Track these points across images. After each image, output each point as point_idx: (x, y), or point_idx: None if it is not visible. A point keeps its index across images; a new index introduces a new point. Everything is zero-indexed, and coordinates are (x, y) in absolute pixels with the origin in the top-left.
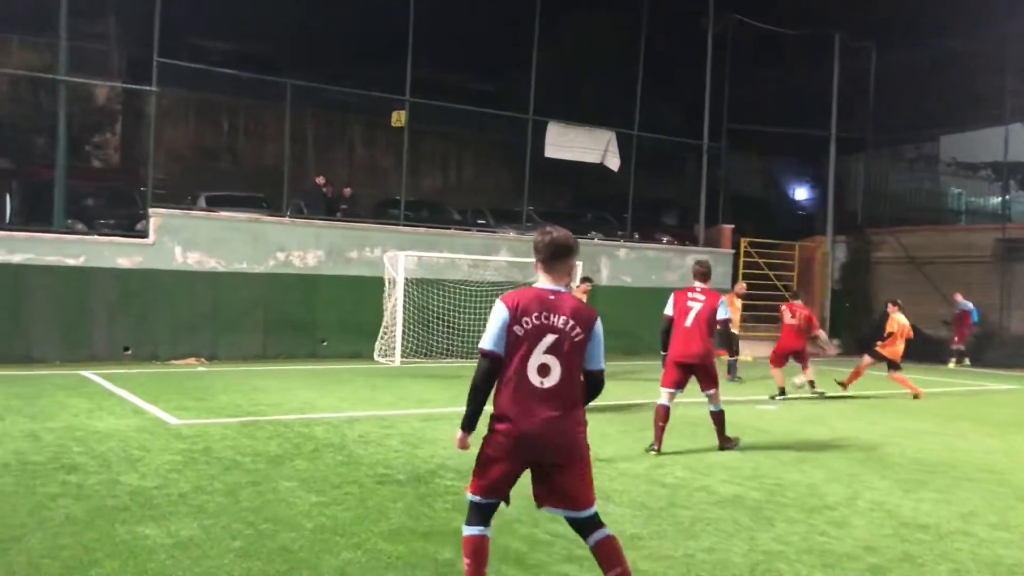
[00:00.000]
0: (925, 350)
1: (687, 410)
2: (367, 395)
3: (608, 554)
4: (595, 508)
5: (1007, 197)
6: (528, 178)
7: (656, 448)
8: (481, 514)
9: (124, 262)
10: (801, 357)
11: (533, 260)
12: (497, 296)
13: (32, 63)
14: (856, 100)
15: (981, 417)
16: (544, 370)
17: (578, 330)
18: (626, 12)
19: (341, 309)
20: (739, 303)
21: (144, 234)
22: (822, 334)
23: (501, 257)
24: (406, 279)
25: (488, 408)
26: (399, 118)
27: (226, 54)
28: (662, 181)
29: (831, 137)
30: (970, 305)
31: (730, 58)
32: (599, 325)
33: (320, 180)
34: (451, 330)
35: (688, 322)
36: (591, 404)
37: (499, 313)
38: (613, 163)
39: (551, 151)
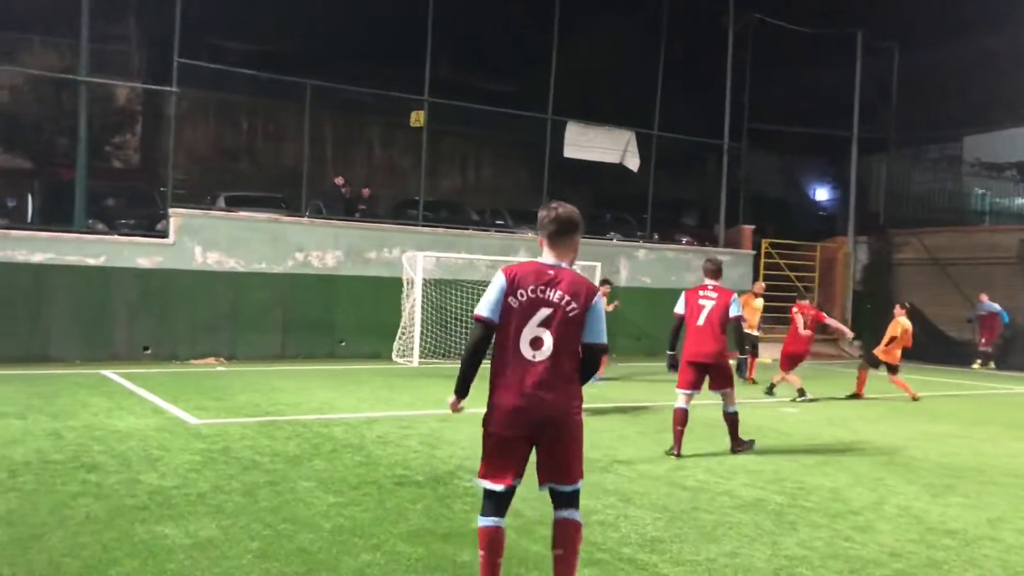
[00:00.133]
0: (950, 352)
1: (705, 412)
2: (385, 395)
3: (564, 535)
4: (579, 485)
5: None
6: (547, 178)
7: (676, 452)
8: (494, 503)
9: (144, 262)
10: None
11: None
12: None
13: (53, 64)
14: (878, 100)
15: (1007, 420)
16: (537, 343)
17: (573, 305)
18: (646, 11)
19: (359, 309)
20: (758, 303)
21: (164, 234)
22: (832, 322)
23: (519, 258)
24: (424, 279)
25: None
26: (418, 118)
27: (245, 55)
28: (682, 181)
29: (853, 137)
30: (997, 307)
31: (751, 57)
32: (599, 299)
33: (339, 180)
34: (469, 331)
35: (700, 321)
36: (609, 405)
37: (497, 282)
38: (633, 163)
39: (570, 151)
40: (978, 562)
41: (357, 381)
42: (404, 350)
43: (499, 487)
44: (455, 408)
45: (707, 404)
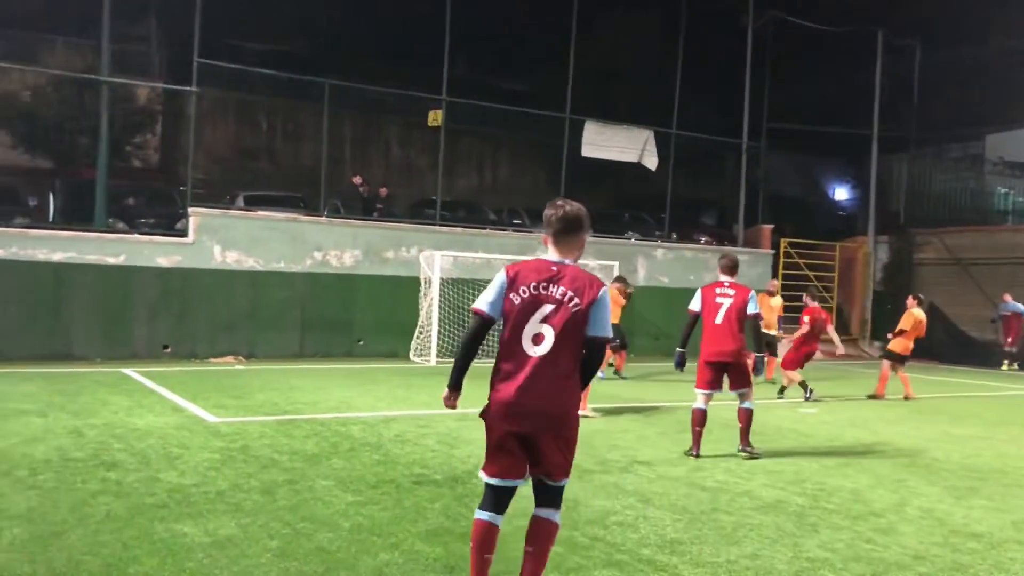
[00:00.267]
0: (972, 353)
1: (724, 412)
2: (403, 394)
3: (539, 534)
4: (565, 482)
5: None
6: (564, 178)
7: (695, 453)
8: (492, 499)
9: (164, 261)
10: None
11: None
12: None
13: (75, 64)
14: (899, 98)
15: None
16: (538, 339)
17: (576, 301)
18: (664, 9)
19: (377, 309)
20: (775, 302)
21: (183, 233)
22: (832, 332)
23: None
24: (442, 279)
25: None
26: (435, 118)
27: (264, 55)
28: (700, 181)
29: (873, 136)
30: (1021, 307)
31: (770, 56)
32: (604, 293)
33: (357, 180)
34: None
35: (719, 319)
36: (618, 404)
37: (498, 278)
38: (651, 162)
39: (588, 150)
40: (1005, 566)
41: (375, 380)
42: (422, 349)
43: (495, 481)
44: (448, 402)
45: (725, 405)
